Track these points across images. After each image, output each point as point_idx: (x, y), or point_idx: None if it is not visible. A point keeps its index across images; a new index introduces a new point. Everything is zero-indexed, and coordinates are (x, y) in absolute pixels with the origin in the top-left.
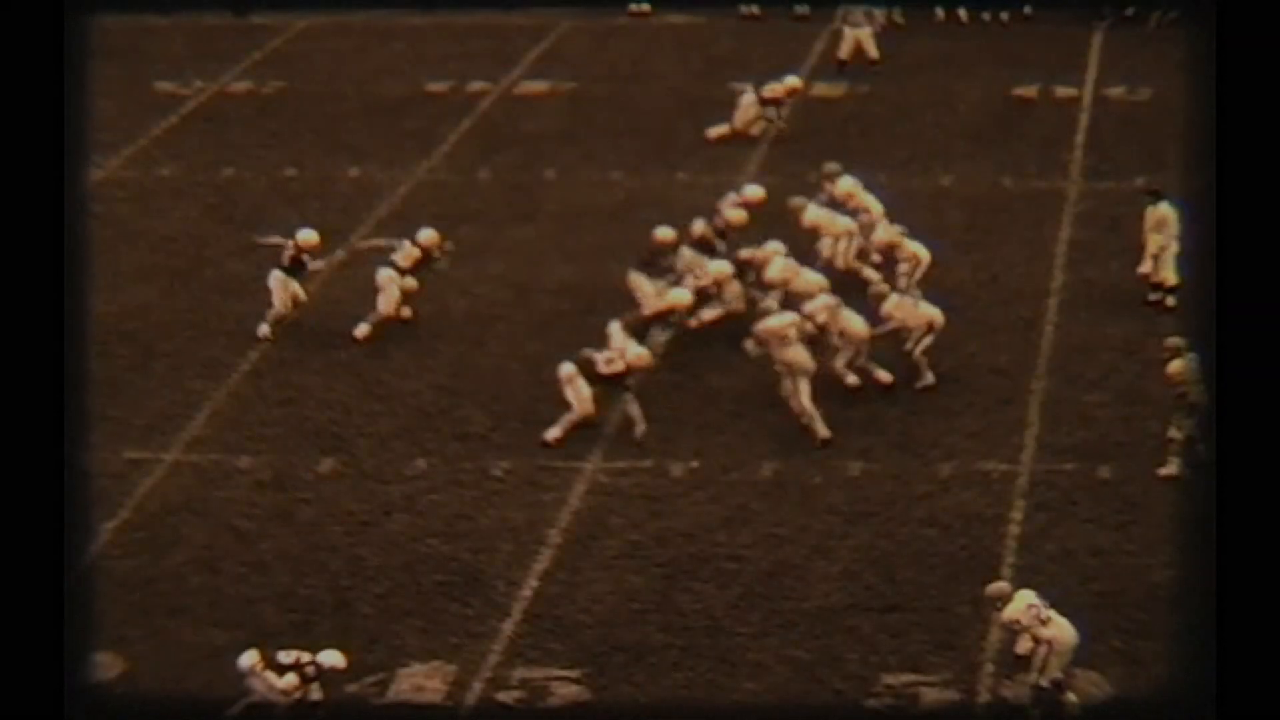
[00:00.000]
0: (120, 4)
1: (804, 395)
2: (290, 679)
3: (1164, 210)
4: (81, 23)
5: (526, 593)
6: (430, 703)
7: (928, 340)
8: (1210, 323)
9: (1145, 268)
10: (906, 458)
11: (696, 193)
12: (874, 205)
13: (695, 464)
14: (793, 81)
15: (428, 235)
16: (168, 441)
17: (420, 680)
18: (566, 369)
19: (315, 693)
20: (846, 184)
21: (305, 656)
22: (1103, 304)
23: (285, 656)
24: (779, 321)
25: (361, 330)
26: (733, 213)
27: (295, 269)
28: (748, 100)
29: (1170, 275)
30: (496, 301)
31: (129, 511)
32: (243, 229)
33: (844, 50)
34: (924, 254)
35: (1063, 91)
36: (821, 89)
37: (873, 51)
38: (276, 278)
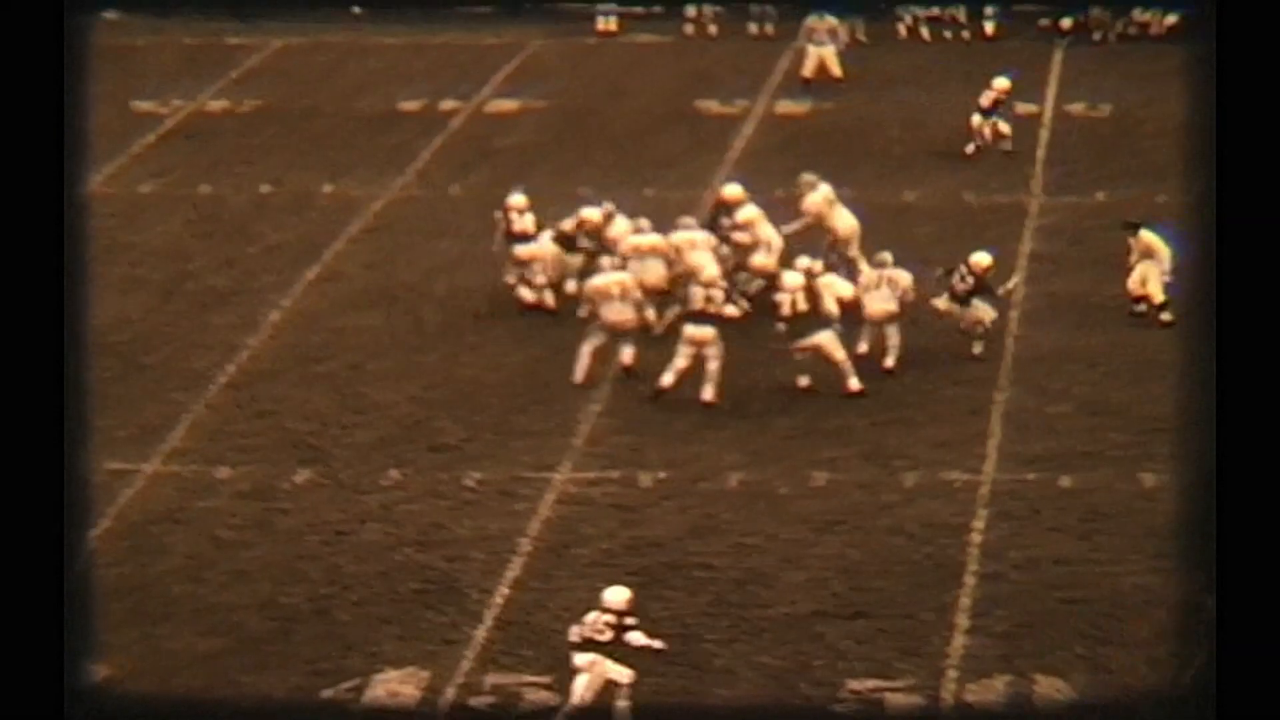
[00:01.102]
0: (120, 3)
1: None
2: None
3: (1147, 238)
4: (82, 21)
5: (499, 600)
6: (405, 708)
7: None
8: (1210, 335)
9: (1132, 285)
10: (873, 468)
11: (666, 208)
12: (774, 238)
13: (664, 474)
14: (1001, 83)
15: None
16: (149, 452)
17: (395, 686)
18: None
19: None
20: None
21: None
22: (1065, 316)
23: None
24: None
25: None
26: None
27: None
28: (976, 121)
29: (1158, 293)
30: (470, 315)
31: (111, 520)
32: (222, 244)
33: (808, 68)
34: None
35: (1024, 107)
36: (786, 106)
37: (836, 70)
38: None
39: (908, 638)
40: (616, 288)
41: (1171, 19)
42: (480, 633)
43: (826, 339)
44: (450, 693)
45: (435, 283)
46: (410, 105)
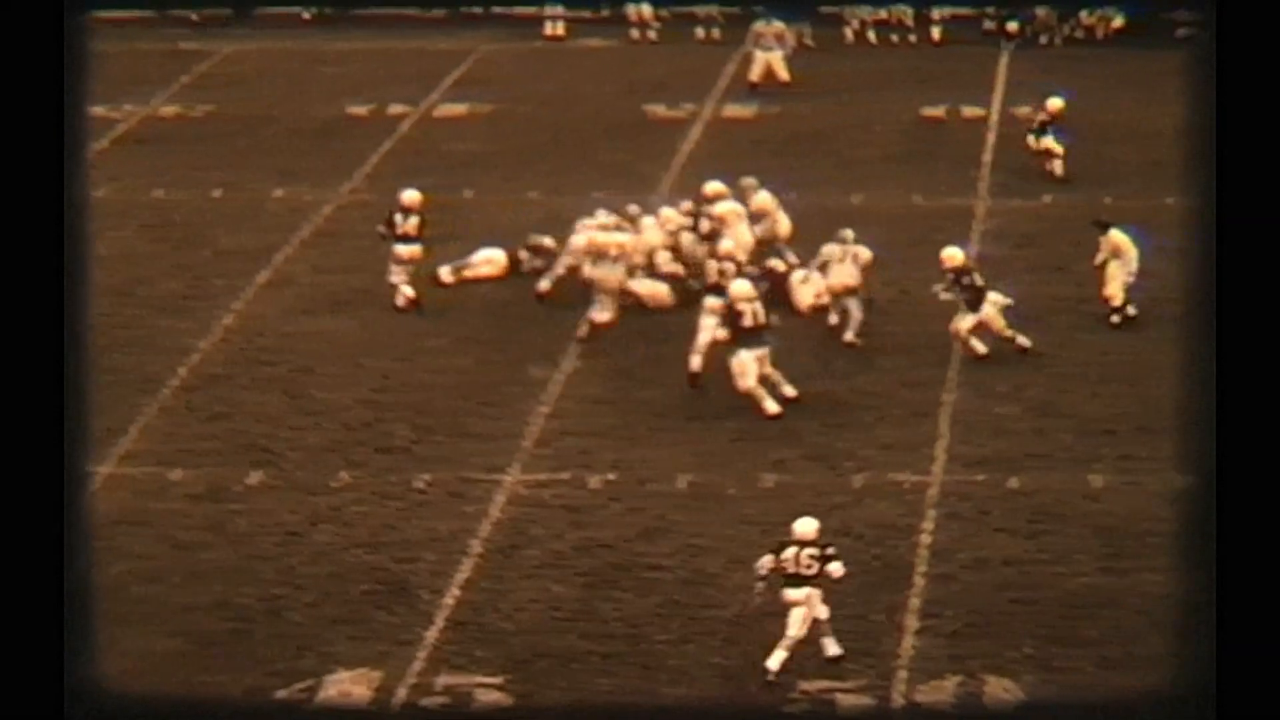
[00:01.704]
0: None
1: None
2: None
3: (1116, 238)
4: (81, 19)
5: (450, 601)
6: (357, 708)
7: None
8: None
9: (1108, 291)
10: (821, 469)
11: (611, 211)
12: (746, 238)
13: (613, 476)
14: (1055, 103)
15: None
16: (104, 455)
17: (347, 686)
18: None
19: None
20: (763, 198)
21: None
22: (1011, 318)
23: None
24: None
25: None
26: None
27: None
28: (1030, 141)
29: (1118, 294)
30: (419, 319)
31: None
32: (174, 249)
33: (755, 73)
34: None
35: (970, 111)
36: (733, 110)
37: (784, 74)
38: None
39: (858, 638)
40: (615, 249)
41: (1118, 22)
42: (431, 633)
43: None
44: (402, 693)
45: (384, 287)
46: (359, 110)
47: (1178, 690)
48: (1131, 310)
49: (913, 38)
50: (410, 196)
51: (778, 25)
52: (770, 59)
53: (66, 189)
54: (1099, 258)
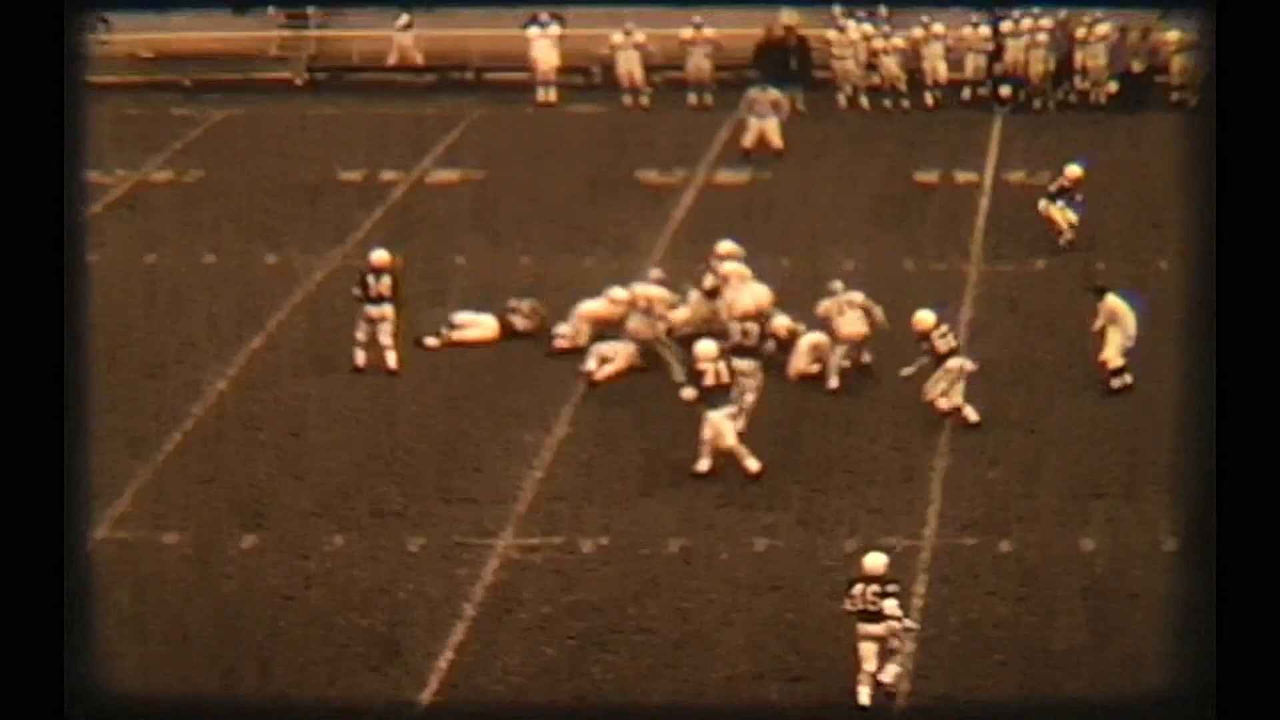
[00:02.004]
0: (120, 3)
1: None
2: None
3: (1113, 302)
4: (81, 20)
5: (443, 664)
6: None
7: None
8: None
9: (1105, 355)
10: (811, 533)
11: (603, 277)
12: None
13: (605, 539)
14: (1073, 170)
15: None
16: (97, 518)
17: None
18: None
19: None
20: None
21: None
22: (1001, 382)
23: None
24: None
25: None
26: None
27: None
28: (1042, 206)
29: (1115, 358)
30: (408, 382)
31: None
32: (166, 313)
33: (748, 139)
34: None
35: (963, 176)
36: (724, 175)
37: (777, 141)
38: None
39: (849, 700)
40: (650, 301)
41: (1112, 87)
42: (424, 696)
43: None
44: None
45: (373, 351)
46: (351, 175)
47: (1178, 690)
48: (1128, 378)
49: (905, 103)
50: (380, 257)
51: (773, 93)
52: (765, 126)
53: (67, 188)
54: (1098, 323)
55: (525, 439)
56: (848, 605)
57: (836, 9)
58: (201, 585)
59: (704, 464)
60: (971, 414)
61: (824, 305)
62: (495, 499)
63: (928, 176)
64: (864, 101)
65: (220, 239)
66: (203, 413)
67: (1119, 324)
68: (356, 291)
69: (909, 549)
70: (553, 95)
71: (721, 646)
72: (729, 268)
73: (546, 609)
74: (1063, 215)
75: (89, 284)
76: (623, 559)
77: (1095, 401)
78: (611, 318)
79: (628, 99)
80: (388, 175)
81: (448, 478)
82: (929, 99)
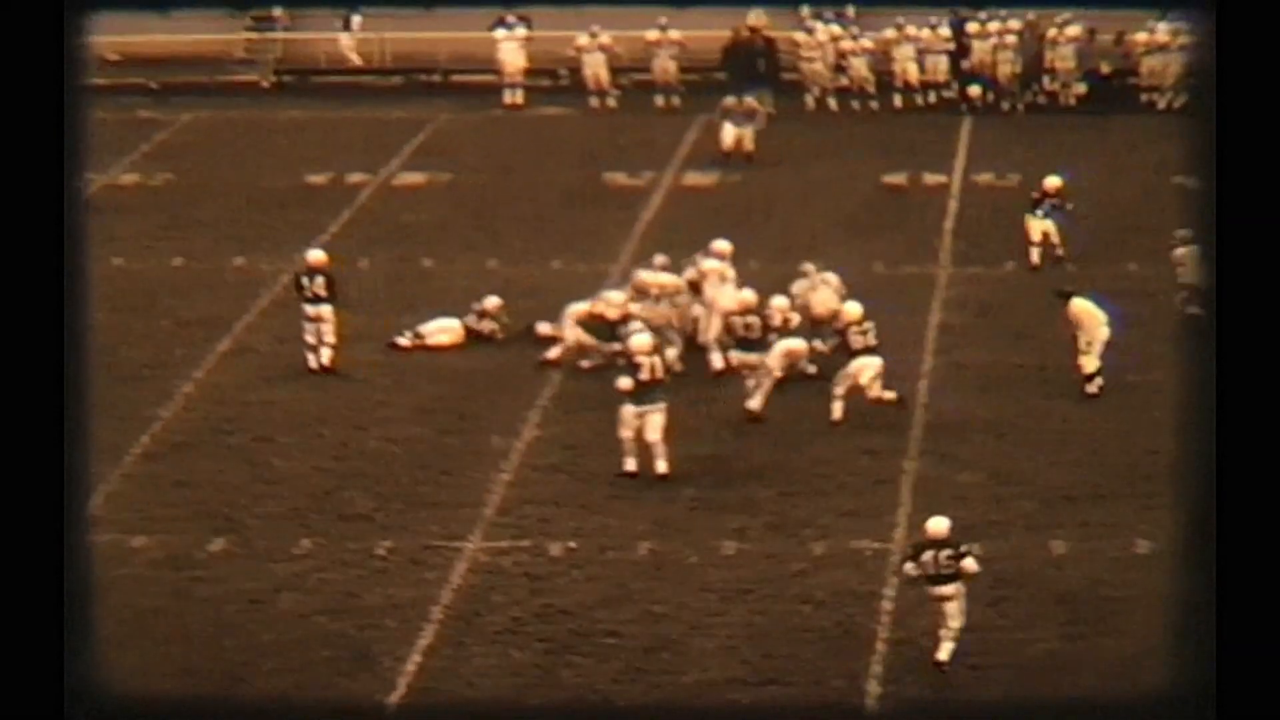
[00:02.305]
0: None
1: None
2: None
3: (1078, 306)
4: (81, 21)
5: (412, 668)
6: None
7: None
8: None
9: (1082, 360)
10: (780, 537)
11: (571, 281)
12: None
13: (574, 544)
14: (1052, 181)
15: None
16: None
17: None
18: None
19: None
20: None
21: None
22: (972, 386)
23: None
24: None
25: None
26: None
27: None
28: (1027, 219)
29: (1090, 363)
30: (377, 387)
31: None
32: (134, 318)
33: (726, 142)
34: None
35: (932, 179)
36: (693, 178)
37: (749, 146)
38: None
39: (819, 705)
40: (662, 288)
41: (1081, 89)
42: (394, 700)
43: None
44: None
45: (341, 356)
46: (318, 179)
47: (1178, 690)
48: (1093, 388)
49: (874, 104)
50: (316, 256)
51: (749, 101)
52: (740, 133)
53: (67, 190)
54: (1070, 329)
55: (494, 443)
56: (911, 571)
57: (804, 10)
58: (171, 589)
59: (630, 464)
60: (889, 394)
61: (798, 285)
62: (464, 503)
63: (896, 179)
64: (832, 103)
65: (188, 242)
66: (171, 417)
67: (1084, 328)
68: (295, 292)
69: (879, 552)
70: (520, 98)
71: (692, 651)
72: (709, 265)
73: (516, 613)
74: (1039, 226)
75: (89, 285)
76: (592, 563)
77: (1066, 405)
78: (605, 319)
79: (595, 101)
80: (354, 178)
81: (416, 482)
82: (898, 101)
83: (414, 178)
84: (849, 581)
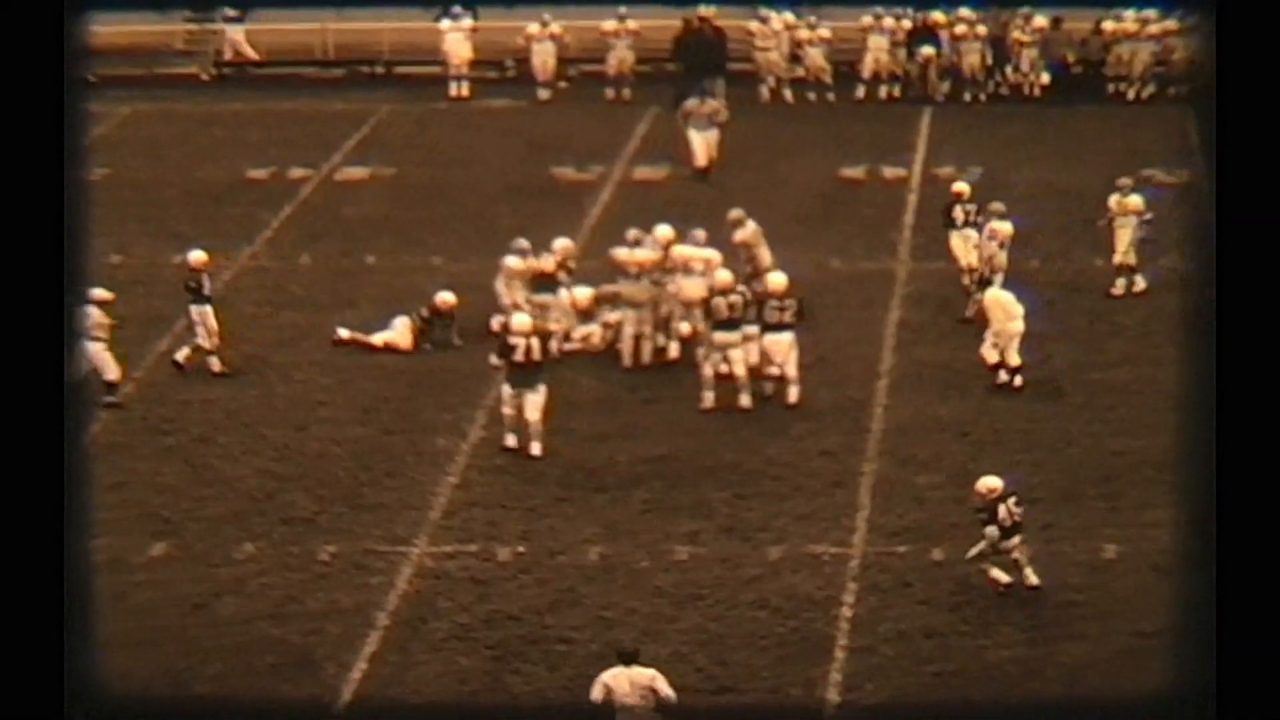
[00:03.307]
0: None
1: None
2: None
3: (990, 297)
4: (81, 21)
5: (356, 675)
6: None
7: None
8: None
9: (986, 352)
10: (735, 541)
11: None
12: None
13: (522, 548)
14: (960, 187)
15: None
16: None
17: None
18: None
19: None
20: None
21: None
22: (933, 385)
23: None
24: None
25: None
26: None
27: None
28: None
29: (1014, 357)
30: (319, 387)
31: None
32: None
33: (700, 158)
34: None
35: (891, 172)
36: (643, 172)
37: (713, 153)
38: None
39: (775, 712)
40: (640, 265)
41: (1044, 78)
42: (337, 707)
43: None
44: None
45: (282, 354)
46: (259, 173)
47: (1178, 690)
48: (1006, 377)
49: (831, 96)
50: (197, 257)
51: (711, 103)
52: (707, 139)
53: (67, 189)
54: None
55: (439, 444)
56: (994, 534)
57: None
58: (110, 593)
59: (510, 439)
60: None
61: (742, 234)
62: (409, 505)
63: (854, 172)
64: (787, 94)
65: (125, 239)
66: (109, 417)
67: (993, 320)
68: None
69: (838, 557)
70: (465, 90)
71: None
72: (679, 251)
73: (463, 619)
74: (963, 245)
75: (88, 286)
76: (541, 567)
77: (1028, 404)
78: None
79: (543, 93)
80: (296, 173)
81: (360, 484)
82: (860, 92)
83: (357, 172)
84: (806, 587)
